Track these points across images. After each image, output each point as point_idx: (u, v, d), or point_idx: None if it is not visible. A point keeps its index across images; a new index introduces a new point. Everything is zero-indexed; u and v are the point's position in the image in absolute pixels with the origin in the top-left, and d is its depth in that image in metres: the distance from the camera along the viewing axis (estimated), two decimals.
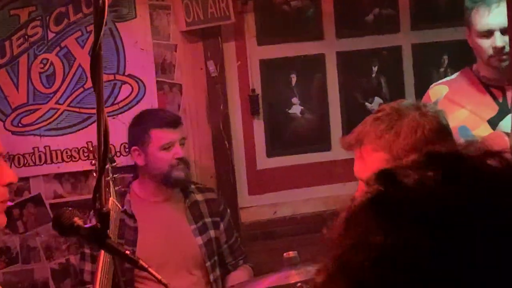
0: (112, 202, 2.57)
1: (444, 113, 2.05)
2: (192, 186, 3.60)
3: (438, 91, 3.34)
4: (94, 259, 3.41)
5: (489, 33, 3.12)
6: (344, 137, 2.12)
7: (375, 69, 4.09)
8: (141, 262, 1.75)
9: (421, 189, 0.77)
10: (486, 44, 3.14)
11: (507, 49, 3.07)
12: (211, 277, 3.51)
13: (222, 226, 3.59)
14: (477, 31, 3.16)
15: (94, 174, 3.15)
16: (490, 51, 3.14)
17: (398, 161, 1.96)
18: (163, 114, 3.53)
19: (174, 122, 3.44)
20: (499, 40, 3.09)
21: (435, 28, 4.10)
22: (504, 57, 3.12)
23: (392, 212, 0.78)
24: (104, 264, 2.40)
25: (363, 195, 0.83)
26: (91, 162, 3.18)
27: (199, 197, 3.57)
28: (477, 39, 3.17)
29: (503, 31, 3.07)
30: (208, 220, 3.55)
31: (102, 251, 2.45)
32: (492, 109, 3.22)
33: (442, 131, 1.98)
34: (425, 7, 4.11)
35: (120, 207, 2.64)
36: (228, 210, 3.69)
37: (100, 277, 2.34)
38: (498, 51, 3.11)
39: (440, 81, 3.46)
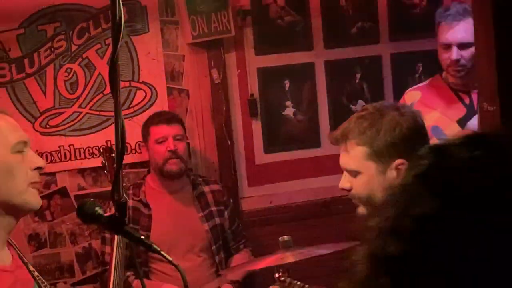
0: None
1: (420, 114, 2.05)
2: (199, 179, 3.62)
3: (412, 96, 3.35)
4: (114, 242, 3.42)
5: (447, 47, 3.14)
6: (332, 133, 2.12)
7: (358, 75, 4.09)
8: (154, 246, 1.75)
9: (470, 168, 0.72)
10: (445, 56, 3.15)
11: (462, 62, 3.10)
12: (216, 259, 3.52)
13: (226, 214, 3.60)
14: (439, 43, 3.18)
15: (105, 172, 3.17)
16: (447, 62, 3.15)
17: (379, 155, 1.97)
18: (161, 113, 3.58)
19: (168, 120, 3.48)
20: (455, 54, 3.11)
21: (411, 40, 4.10)
22: (459, 68, 3.14)
23: (435, 186, 0.73)
24: (118, 249, 2.39)
25: (413, 166, 0.78)
26: (101, 162, 3.21)
27: (205, 188, 3.58)
28: (440, 50, 3.19)
29: (460, 46, 3.09)
30: (214, 208, 3.56)
31: (116, 238, 2.46)
32: (460, 111, 3.22)
33: (418, 129, 1.98)
34: (402, 21, 4.11)
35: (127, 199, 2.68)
36: (231, 200, 3.70)
37: (115, 261, 2.34)
38: (453, 63, 3.13)
39: (413, 87, 3.47)
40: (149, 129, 3.50)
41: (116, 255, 2.34)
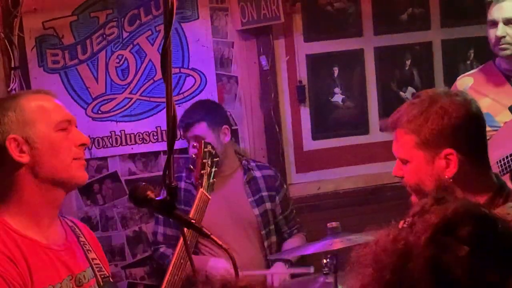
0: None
1: (476, 102, 1.96)
2: (252, 164, 3.61)
3: (464, 82, 3.30)
4: (166, 223, 3.48)
5: (494, 24, 3.08)
6: (383, 120, 2.08)
7: (408, 62, 4.05)
8: (204, 229, 1.76)
9: None
10: (492, 34, 3.10)
11: (508, 39, 3.04)
12: (265, 244, 3.53)
13: (277, 199, 3.59)
14: (487, 21, 3.13)
15: (191, 166, 3.06)
16: (493, 40, 3.09)
17: (426, 144, 1.93)
18: (182, 117, 3.46)
19: (183, 127, 3.44)
20: (501, 30, 3.05)
21: (462, 26, 4.04)
22: (503, 46, 3.07)
23: None
24: (181, 249, 2.35)
25: None
26: (193, 154, 3.11)
27: (257, 173, 3.58)
28: (488, 29, 3.14)
29: (506, 22, 3.04)
30: (265, 193, 3.56)
31: (181, 240, 2.41)
32: None
33: (471, 118, 1.89)
34: (453, 7, 4.05)
35: (209, 197, 2.59)
36: (285, 186, 3.69)
37: (175, 260, 2.30)
38: (498, 40, 3.07)
39: (466, 73, 3.42)
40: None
41: (177, 257, 2.31)
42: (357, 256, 1.16)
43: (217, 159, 2.71)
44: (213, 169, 2.65)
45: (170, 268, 2.23)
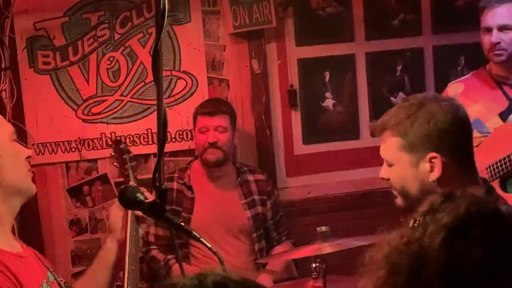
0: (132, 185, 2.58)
1: (464, 107, 1.98)
2: (245, 168, 3.64)
3: (455, 88, 3.31)
4: (157, 223, 3.47)
5: (488, 30, 3.10)
6: (373, 123, 2.11)
7: (399, 68, 4.06)
8: (194, 232, 1.77)
9: None
10: (486, 40, 3.12)
11: (502, 45, 3.06)
12: (256, 247, 3.54)
13: (268, 204, 3.61)
14: (481, 28, 3.15)
15: (114, 164, 3.04)
16: (488, 46, 3.11)
17: (411, 146, 1.96)
18: (207, 104, 3.59)
19: (210, 112, 3.50)
20: (495, 36, 3.07)
21: (454, 32, 4.06)
22: (498, 52, 3.09)
23: None
24: (130, 239, 2.36)
25: None
26: (110, 154, 3.11)
27: (250, 177, 3.61)
28: (482, 35, 3.16)
29: (500, 29, 3.06)
30: (256, 197, 3.58)
31: (128, 230, 2.43)
32: (502, 104, 3.18)
33: (457, 123, 1.92)
34: (445, 13, 4.07)
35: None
36: (276, 191, 3.70)
37: (129, 250, 2.33)
38: (493, 46, 3.09)
39: (456, 80, 3.43)
40: (196, 118, 3.56)
41: (129, 242, 2.32)
42: (370, 257, 1.17)
43: (131, 154, 2.77)
44: (131, 164, 2.70)
45: (127, 259, 2.25)
